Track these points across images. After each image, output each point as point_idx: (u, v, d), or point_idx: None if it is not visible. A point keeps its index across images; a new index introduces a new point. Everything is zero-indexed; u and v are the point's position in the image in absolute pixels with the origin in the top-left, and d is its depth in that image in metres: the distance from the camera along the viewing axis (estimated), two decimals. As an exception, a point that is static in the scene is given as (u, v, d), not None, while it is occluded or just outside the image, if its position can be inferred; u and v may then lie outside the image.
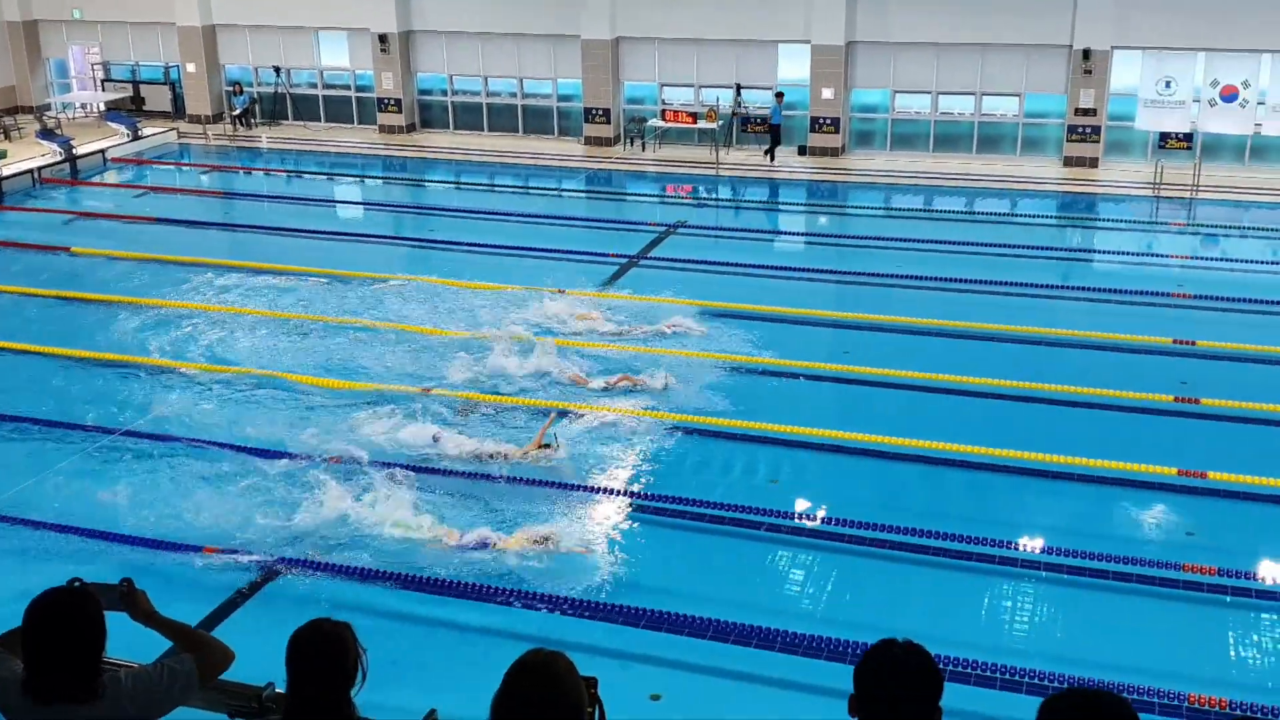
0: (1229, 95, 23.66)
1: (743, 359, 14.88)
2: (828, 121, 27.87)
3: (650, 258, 20.10)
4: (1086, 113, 26.11)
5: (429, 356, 15.07)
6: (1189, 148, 24.62)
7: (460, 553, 10.23)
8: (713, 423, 13.01)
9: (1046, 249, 20.63)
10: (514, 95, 30.76)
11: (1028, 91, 26.92)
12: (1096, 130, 26.27)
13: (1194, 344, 15.31)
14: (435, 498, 11.23)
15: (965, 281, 18.07)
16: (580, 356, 14.89)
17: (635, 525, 10.92)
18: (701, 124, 28.28)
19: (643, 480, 11.79)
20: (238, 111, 31.80)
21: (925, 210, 24.47)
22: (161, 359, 15.07)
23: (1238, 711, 8.00)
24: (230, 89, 32.21)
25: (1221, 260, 20.47)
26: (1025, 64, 26.60)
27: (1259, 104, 23.88)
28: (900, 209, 24.54)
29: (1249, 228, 22.22)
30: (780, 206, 25.63)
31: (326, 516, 10.82)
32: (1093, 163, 26.34)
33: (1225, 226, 22.37)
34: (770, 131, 27.55)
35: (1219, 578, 9.78)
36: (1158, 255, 20.70)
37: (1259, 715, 7.94)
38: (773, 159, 27.43)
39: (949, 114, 27.76)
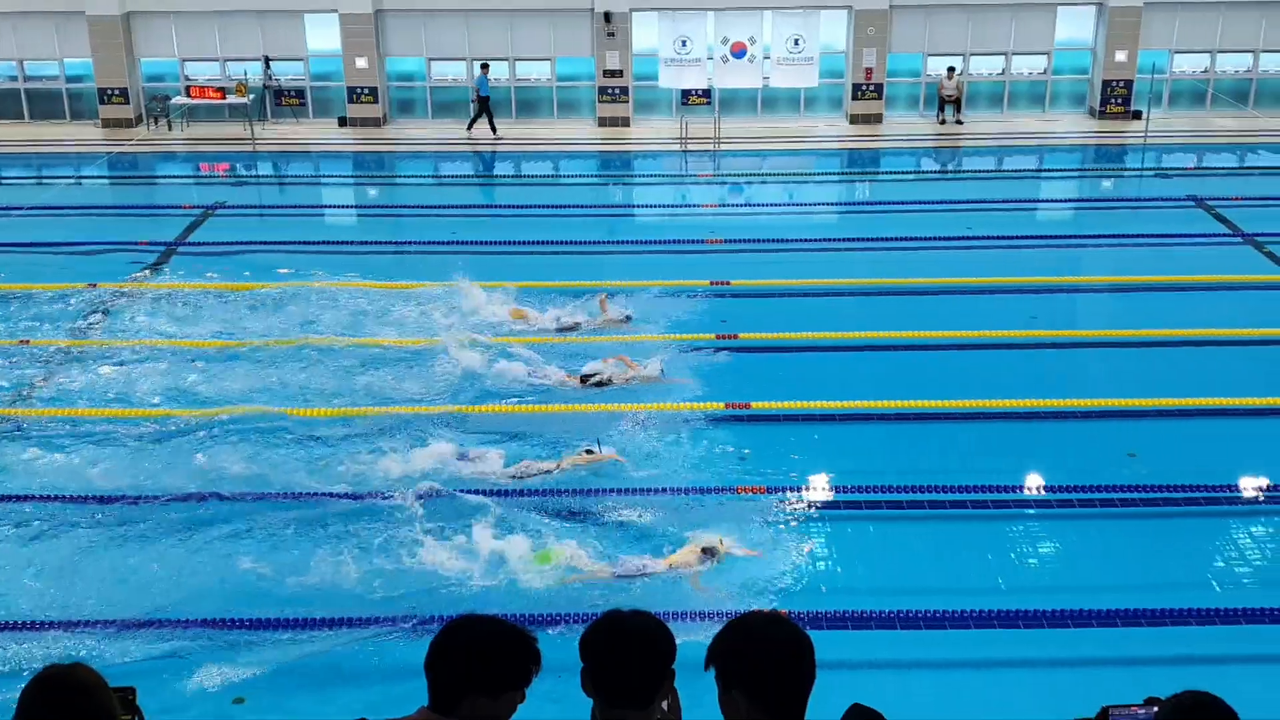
0: (739, 51, 25.41)
1: (314, 340, 14.37)
2: (365, 91, 27.38)
3: (190, 243, 18.95)
4: (614, 74, 27.22)
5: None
6: (708, 103, 26.26)
7: (627, 584, 9.19)
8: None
9: (591, 207, 21.35)
10: (15, 79, 27.95)
11: (558, 56, 27.67)
12: (625, 90, 27.45)
13: (729, 284, 16.40)
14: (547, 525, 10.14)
15: (518, 243, 18.38)
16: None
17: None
18: (232, 99, 26.94)
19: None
20: None
21: (473, 177, 24.63)
22: None
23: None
24: None
25: (746, 206, 22.02)
26: (553, 28, 27.32)
27: (765, 59, 25.80)
28: (447, 176, 24.59)
29: (767, 174, 24.04)
30: (325, 180, 24.91)
31: (453, 564, 9.50)
32: (625, 122, 27.52)
33: (747, 175, 24.08)
34: (480, 103, 26.79)
35: (767, 496, 10.58)
36: (691, 205, 22.00)
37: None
38: (494, 131, 26.63)
39: (485, 80, 28.07)
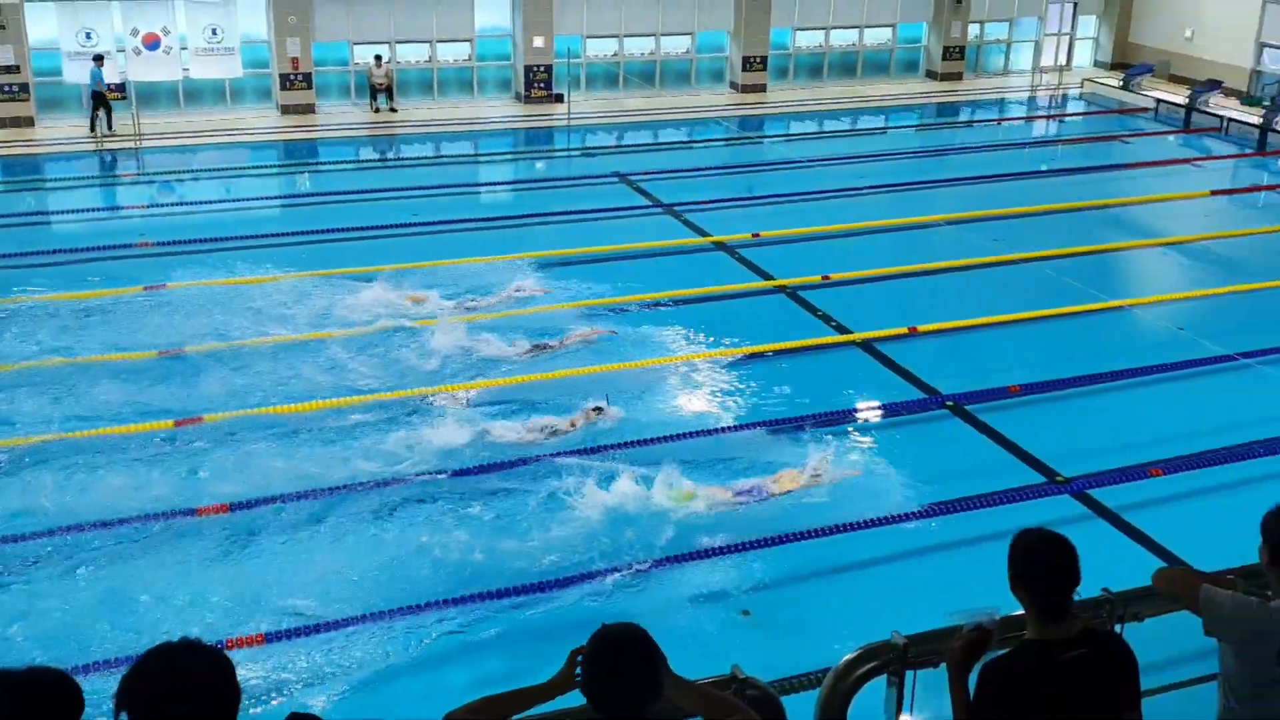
0: (152, 43, 23.84)
1: None
2: None
3: None
4: (9, 70, 24.58)
5: None
6: (124, 98, 24.42)
7: (744, 506, 9.99)
8: None
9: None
10: None
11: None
12: (25, 88, 24.88)
13: (166, 286, 15.44)
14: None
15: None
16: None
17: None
18: None
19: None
20: None
21: None
22: None
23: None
24: None
25: (178, 205, 20.72)
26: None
27: (183, 49, 24.42)
28: None
29: (199, 170, 22.76)
30: None
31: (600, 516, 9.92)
32: (29, 122, 24.95)
33: (177, 172, 22.66)
34: (96, 99, 23.45)
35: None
36: (117, 208, 20.42)
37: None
38: (110, 126, 23.75)
39: None
